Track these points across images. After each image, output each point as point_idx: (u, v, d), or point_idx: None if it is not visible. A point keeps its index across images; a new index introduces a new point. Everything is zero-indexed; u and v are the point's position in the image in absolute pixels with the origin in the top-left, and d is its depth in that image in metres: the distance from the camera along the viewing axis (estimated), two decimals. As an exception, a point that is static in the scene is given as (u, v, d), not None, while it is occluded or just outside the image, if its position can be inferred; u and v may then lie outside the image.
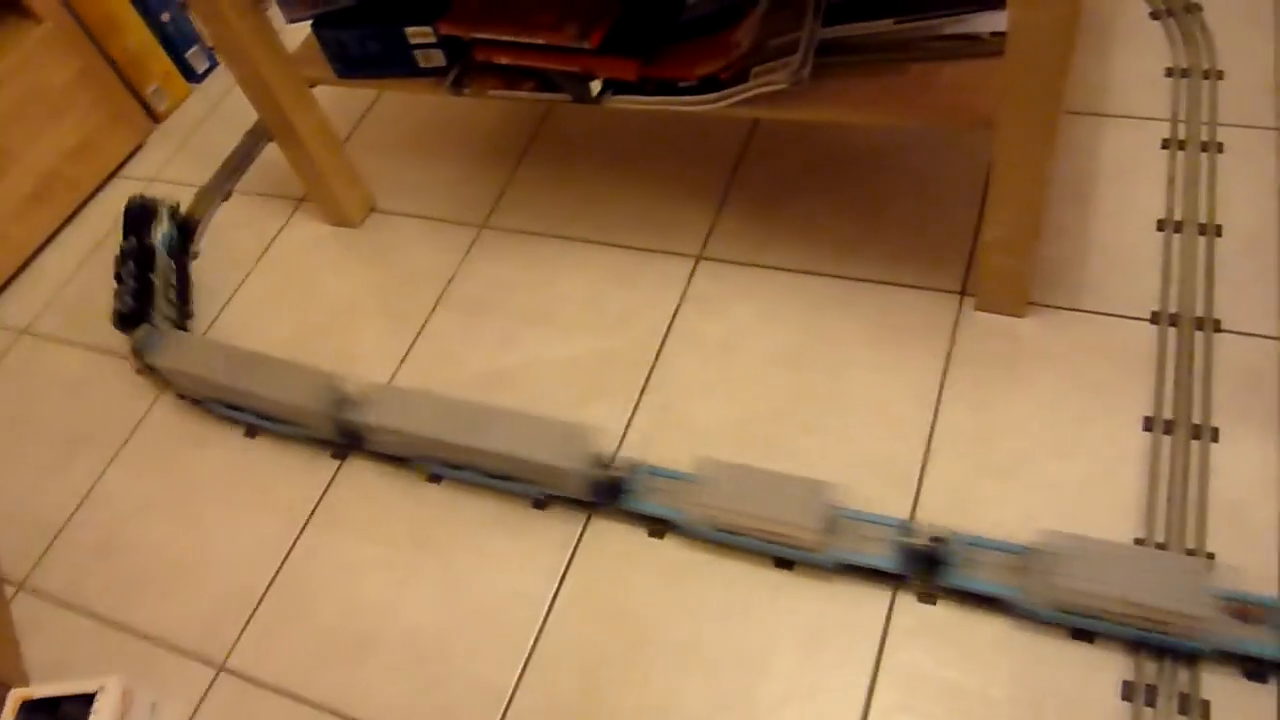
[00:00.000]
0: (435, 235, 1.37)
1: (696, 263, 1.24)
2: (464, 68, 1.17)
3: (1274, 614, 0.84)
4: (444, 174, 1.44)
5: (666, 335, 1.18)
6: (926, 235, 1.20)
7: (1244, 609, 0.84)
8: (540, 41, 1.07)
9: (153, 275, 1.37)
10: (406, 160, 1.48)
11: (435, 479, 1.13)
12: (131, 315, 1.32)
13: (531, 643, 0.99)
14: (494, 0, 1.12)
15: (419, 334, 1.26)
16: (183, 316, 1.36)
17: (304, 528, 1.13)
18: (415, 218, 1.40)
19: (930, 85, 0.99)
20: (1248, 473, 0.95)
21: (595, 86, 1.09)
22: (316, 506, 1.14)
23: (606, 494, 1.04)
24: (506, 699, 0.96)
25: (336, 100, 1.57)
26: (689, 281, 1.22)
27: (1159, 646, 0.86)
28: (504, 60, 1.12)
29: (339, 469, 1.17)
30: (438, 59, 1.18)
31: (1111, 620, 0.86)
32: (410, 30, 1.15)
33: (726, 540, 0.99)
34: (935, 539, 0.93)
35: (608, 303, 1.23)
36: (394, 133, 1.53)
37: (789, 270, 1.21)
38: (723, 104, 1.04)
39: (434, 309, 1.28)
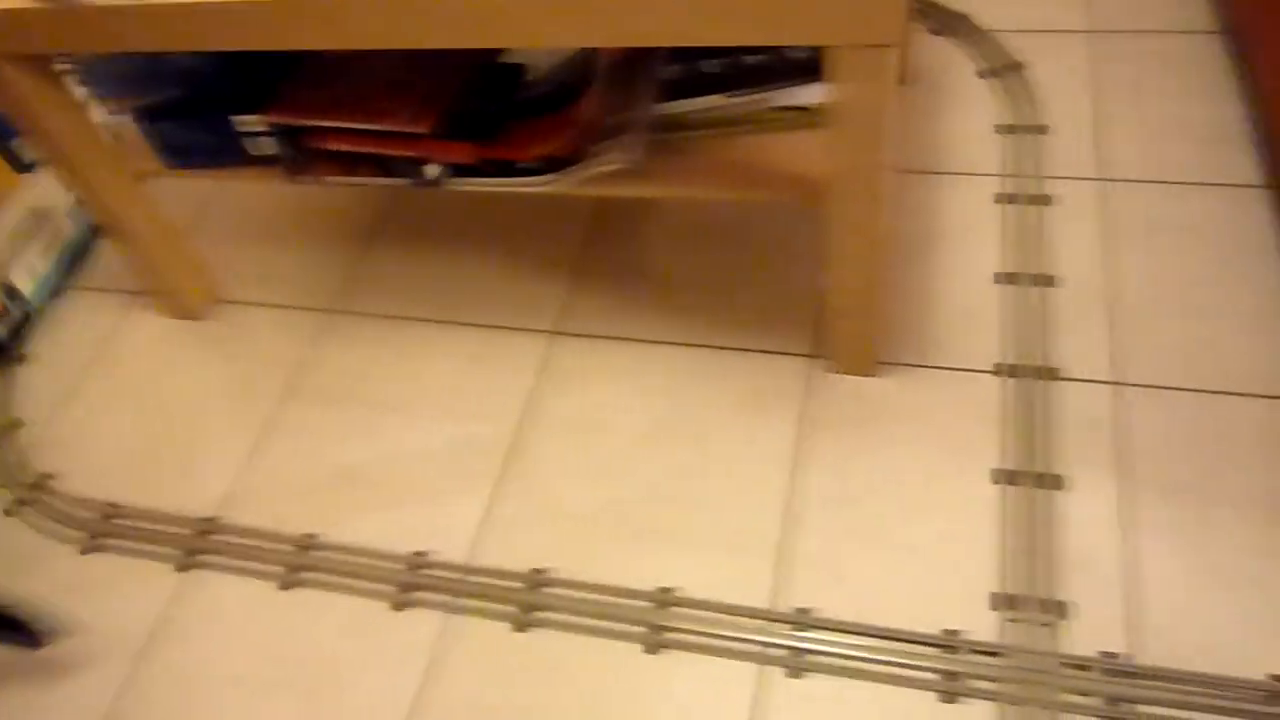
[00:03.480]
0: (284, 324, 1.32)
1: (553, 338, 1.22)
2: (298, 155, 1.14)
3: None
4: (292, 259, 1.40)
5: (526, 416, 1.16)
6: (778, 300, 1.21)
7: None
8: (373, 127, 1.05)
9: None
10: (253, 246, 1.43)
11: (286, 587, 1.07)
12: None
13: (393, 756, 0.94)
14: (326, 86, 1.10)
15: (268, 430, 1.21)
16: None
17: (146, 647, 1.05)
18: (263, 306, 1.35)
19: (763, 157, 1.01)
20: (1093, 519, 0.97)
21: (432, 170, 1.07)
22: (160, 624, 1.07)
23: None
24: (368, 820, 0.91)
25: (175, 186, 1.51)
26: (547, 358, 1.21)
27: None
28: (338, 147, 1.09)
29: (183, 582, 1.09)
30: (270, 147, 1.14)
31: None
32: (238, 119, 1.12)
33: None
34: None
35: (464, 386, 1.20)
36: (239, 218, 1.48)
37: (646, 341, 1.20)
38: (561, 185, 1.04)
39: (284, 402, 1.23)
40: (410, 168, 1.08)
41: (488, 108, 1.08)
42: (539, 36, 0.83)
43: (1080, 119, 1.33)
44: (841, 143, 0.87)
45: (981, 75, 1.41)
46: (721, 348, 1.17)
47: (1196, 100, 1.33)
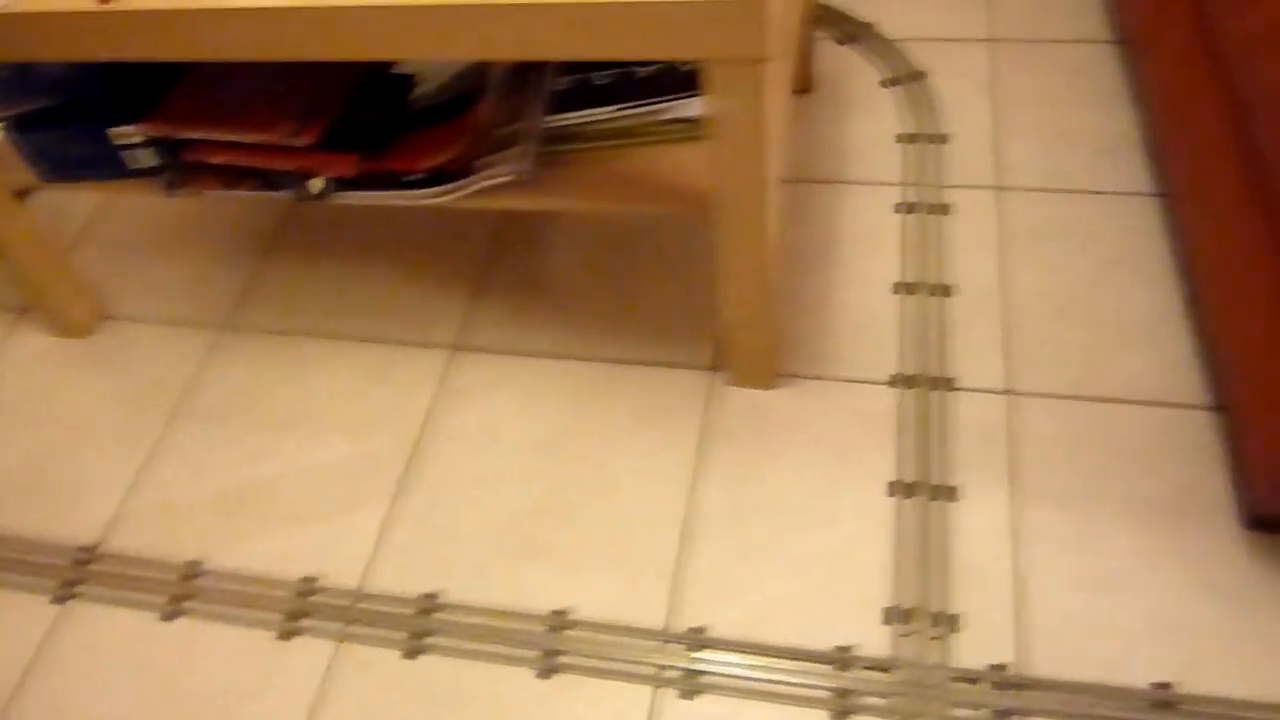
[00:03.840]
0: (174, 340, 1.27)
1: (453, 353, 1.20)
2: (178, 167, 1.09)
3: None
4: (183, 272, 1.35)
5: (422, 433, 1.13)
6: (680, 313, 1.20)
7: None
8: (253, 140, 1.02)
9: None
10: (143, 259, 1.38)
11: (169, 618, 1.03)
12: None
13: (276, 792, 0.91)
14: (204, 97, 1.06)
15: (156, 451, 1.16)
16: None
17: (20, 684, 1.00)
18: (152, 323, 1.30)
19: (653, 170, 0.99)
20: (984, 529, 0.98)
21: (317, 184, 1.04)
22: (35, 660, 1.02)
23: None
24: None
25: (60, 198, 1.45)
26: (444, 374, 1.18)
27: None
28: (218, 160, 1.05)
29: (60, 615, 1.05)
30: (149, 159, 1.10)
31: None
32: (114, 131, 1.07)
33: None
34: None
35: (360, 402, 1.17)
36: (128, 230, 1.42)
37: (547, 355, 1.18)
38: (450, 197, 1.01)
39: (172, 422, 1.18)
40: (294, 181, 1.04)
41: (375, 119, 1.05)
42: (407, 49, 0.81)
43: (980, 128, 1.34)
44: (722, 157, 0.86)
45: (885, 84, 1.42)
46: (623, 361, 1.16)
47: (1093, 109, 1.35)
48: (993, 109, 1.37)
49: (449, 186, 1.01)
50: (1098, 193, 1.25)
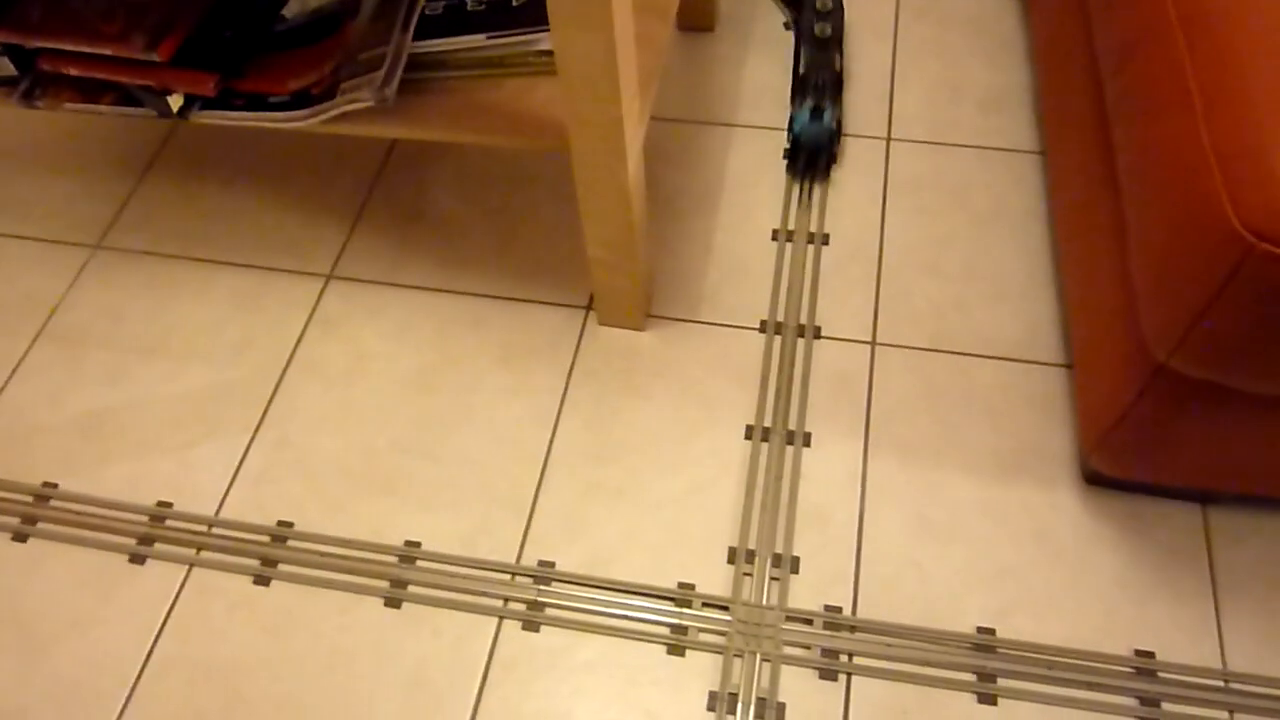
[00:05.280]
0: (41, 258, 1.23)
1: (326, 282, 1.18)
2: (35, 77, 1.05)
3: None
4: (58, 188, 1.31)
5: (289, 363, 1.12)
6: (558, 250, 1.19)
7: None
8: (103, 52, 0.98)
9: None
10: (14, 172, 1.33)
11: (20, 538, 1.02)
12: None
13: (117, 716, 0.91)
14: (61, 6, 1.01)
15: (13, 373, 1.13)
16: None
17: None
18: (19, 239, 1.26)
19: (521, 102, 0.97)
20: (833, 475, 1.00)
21: (176, 101, 1.00)
22: (-121, 578, 1.01)
23: None
24: (83, 779, 0.88)
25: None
26: (317, 303, 1.16)
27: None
28: (73, 71, 1.01)
29: (-93, 533, 1.03)
30: (6, 68, 1.05)
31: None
32: (-36, 35, 1.02)
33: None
34: None
35: (228, 329, 1.15)
36: (1, 141, 1.37)
37: (423, 288, 1.17)
38: (313, 120, 0.99)
39: (33, 343, 1.16)
40: (154, 97, 1.01)
41: (240, 37, 1.02)
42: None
43: (877, 76, 1.34)
44: (573, 94, 0.84)
45: (788, 27, 1.40)
46: (499, 297, 1.15)
47: (990, 63, 1.34)
48: (893, 57, 1.36)
49: (309, 110, 0.98)
50: (984, 148, 1.25)
